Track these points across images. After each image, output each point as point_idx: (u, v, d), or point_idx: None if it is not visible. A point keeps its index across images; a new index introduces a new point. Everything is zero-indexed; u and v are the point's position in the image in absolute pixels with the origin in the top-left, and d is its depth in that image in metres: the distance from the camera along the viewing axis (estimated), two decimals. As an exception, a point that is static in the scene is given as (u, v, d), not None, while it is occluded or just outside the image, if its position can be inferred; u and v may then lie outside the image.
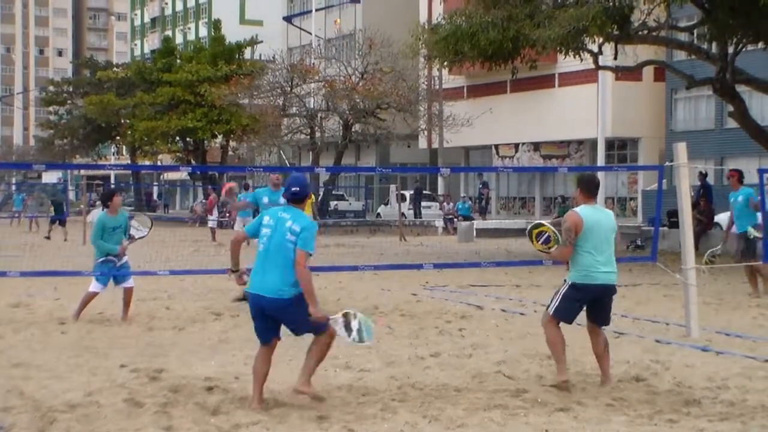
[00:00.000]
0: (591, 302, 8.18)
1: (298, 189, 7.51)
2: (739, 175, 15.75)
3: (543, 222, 8.61)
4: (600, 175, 42.51)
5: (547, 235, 8.38)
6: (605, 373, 8.24)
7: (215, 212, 35.70)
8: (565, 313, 8.16)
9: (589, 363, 9.08)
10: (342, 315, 7.52)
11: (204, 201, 46.46)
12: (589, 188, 8.28)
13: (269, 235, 7.40)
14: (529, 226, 8.54)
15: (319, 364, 7.58)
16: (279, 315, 7.36)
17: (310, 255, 7.30)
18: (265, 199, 13.26)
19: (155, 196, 74.34)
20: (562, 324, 8.21)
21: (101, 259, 12.23)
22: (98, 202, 57.99)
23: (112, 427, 6.89)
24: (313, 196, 32.52)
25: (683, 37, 28.63)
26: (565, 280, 8.21)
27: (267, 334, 7.51)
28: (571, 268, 8.19)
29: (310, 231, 7.33)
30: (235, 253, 8.01)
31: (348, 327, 7.49)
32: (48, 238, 33.22)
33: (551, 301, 8.23)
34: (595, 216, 8.12)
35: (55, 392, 7.94)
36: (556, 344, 8.10)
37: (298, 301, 7.26)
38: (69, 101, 71.52)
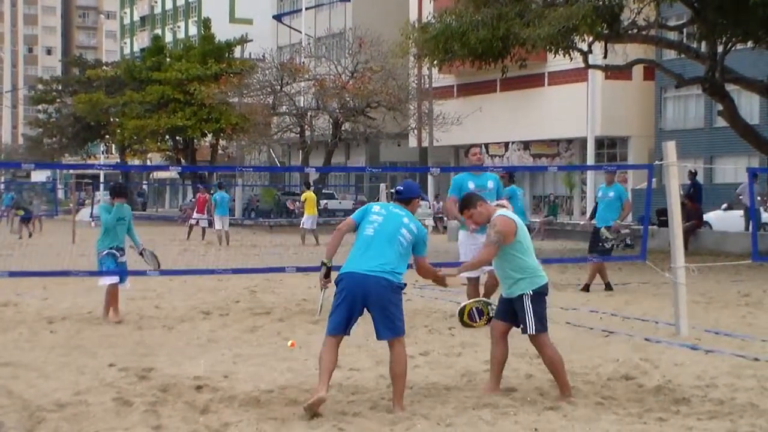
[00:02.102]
0: None
1: (401, 188, 7.72)
2: (509, 176, 17.11)
3: (461, 303, 8.49)
4: (589, 174, 42.70)
5: (477, 308, 8.32)
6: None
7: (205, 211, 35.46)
8: (545, 323, 7.78)
9: (578, 361, 9.09)
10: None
11: (193, 200, 46.36)
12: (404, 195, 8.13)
13: (381, 222, 7.40)
14: (457, 315, 8.38)
15: (404, 381, 7.41)
16: (378, 297, 7.19)
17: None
18: (471, 185, 11.69)
19: (135, 195, 74.03)
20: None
21: (105, 252, 12.13)
22: (87, 201, 58.02)
23: (101, 426, 6.86)
24: (314, 195, 32.52)
25: (673, 36, 28.72)
26: (521, 296, 7.66)
27: (348, 323, 7.32)
28: (523, 279, 7.68)
29: (426, 237, 7.58)
30: (336, 241, 7.59)
31: None
32: (30, 235, 33.23)
33: (529, 324, 7.65)
34: (517, 217, 7.86)
35: (44, 391, 7.91)
36: (560, 362, 7.75)
37: (398, 291, 7.30)
38: (58, 100, 71.41)
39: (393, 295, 7.26)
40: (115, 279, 12.13)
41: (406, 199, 7.65)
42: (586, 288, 15.74)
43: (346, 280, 7.28)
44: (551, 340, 7.84)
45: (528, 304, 7.65)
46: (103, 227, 12.32)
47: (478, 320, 8.34)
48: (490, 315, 8.26)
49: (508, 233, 7.64)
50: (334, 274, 7.53)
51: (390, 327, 7.28)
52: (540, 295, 7.72)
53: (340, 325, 7.29)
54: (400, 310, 7.34)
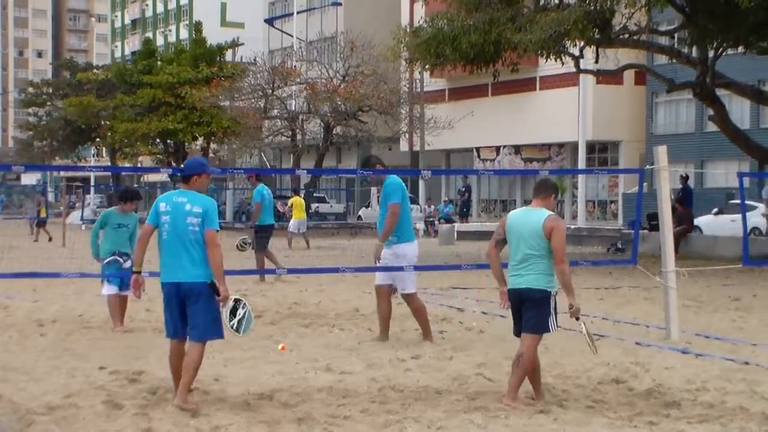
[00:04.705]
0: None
1: (183, 166, 7.80)
2: (256, 176, 18.32)
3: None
4: (581, 178, 42.79)
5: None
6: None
7: None
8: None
9: (569, 365, 9.10)
10: (234, 299, 7.59)
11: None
12: (534, 189, 8.12)
13: (169, 222, 7.51)
14: (583, 329, 8.09)
15: (191, 381, 7.57)
16: (192, 300, 7.43)
17: (218, 231, 7.50)
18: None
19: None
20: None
21: (108, 259, 11.89)
22: (78, 204, 57.89)
23: (91, 429, 6.85)
24: (302, 199, 32.53)
25: (664, 41, 28.78)
26: (549, 292, 7.67)
27: (179, 327, 7.61)
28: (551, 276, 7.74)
29: (213, 209, 7.53)
30: (141, 251, 7.89)
31: (233, 312, 7.60)
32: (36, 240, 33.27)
33: (550, 321, 7.70)
34: (515, 218, 7.89)
35: (34, 394, 7.89)
36: (528, 367, 7.72)
37: (210, 289, 7.46)
38: (48, 103, 71.28)
39: (205, 296, 7.44)
40: (113, 290, 11.89)
41: (187, 177, 7.65)
42: None
43: (165, 289, 7.59)
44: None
45: (552, 303, 7.82)
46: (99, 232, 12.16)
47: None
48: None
49: (499, 224, 8.02)
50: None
51: (197, 326, 7.48)
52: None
53: (177, 329, 7.60)
54: (214, 311, 7.49)
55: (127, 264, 11.84)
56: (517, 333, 7.84)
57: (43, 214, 35.18)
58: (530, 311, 7.69)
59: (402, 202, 10.53)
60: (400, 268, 10.62)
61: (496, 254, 8.01)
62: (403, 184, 10.77)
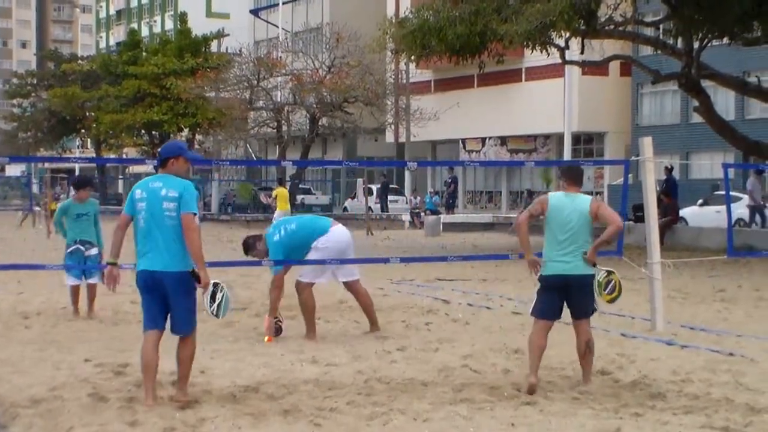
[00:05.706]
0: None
1: (161, 150, 7.58)
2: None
3: (614, 271, 8.60)
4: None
5: (613, 283, 8.49)
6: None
7: None
8: (536, 309, 8.15)
9: (555, 356, 9.11)
10: (213, 284, 7.44)
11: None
12: (569, 176, 8.25)
13: (145, 208, 7.25)
14: (601, 275, 8.35)
15: (188, 372, 7.49)
16: (171, 290, 7.22)
17: (195, 215, 7.25)
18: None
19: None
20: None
21: (69, 250, 12.07)
22: (62, 196, 57.71)
23: (76, 422, 6.81)
24: (286, 190, 32.46)
25: (649, 32, 28.80)
26: (593, 275, 8.13)
27: (159, 317, 7.34)
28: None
29: (189, 192, 7.27)
30: (118, 239, 7.54)
31: (213, 297, 7.49)
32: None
33: (594, 302, 8.19)
34: (560, 202, 8.04)
35: (19, 387, 7.85)
36: (592, 350, 8.19)
37: (190, 278, 7.27)
38: (33, 94, 70.99)
39: (185, 285, 7.26)
40: (73, 281, 12.10)
41: (163, 161, 7.40)
42: None
43: (141, 278, 7.33)
44: (537, 327, 8.06)
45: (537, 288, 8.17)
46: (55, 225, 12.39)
47: (606, 293, 8.47)
48: (614, 299, 8.62)
49: (537, 202, 8.16)
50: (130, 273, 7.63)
51: (180, 318, 7.31)
52: (541, 285, 8.09)
53: (156, 319, 7.34)
54: (192, 302, 7.35)
55: (91, 251, 12.11)
56: (551, 316, 8.04)
57: (52, 207, 34.98)
58: (582, 298, 8.06)
59: (291, 233, 10.90)
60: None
61: (528, 224, 8.19)
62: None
